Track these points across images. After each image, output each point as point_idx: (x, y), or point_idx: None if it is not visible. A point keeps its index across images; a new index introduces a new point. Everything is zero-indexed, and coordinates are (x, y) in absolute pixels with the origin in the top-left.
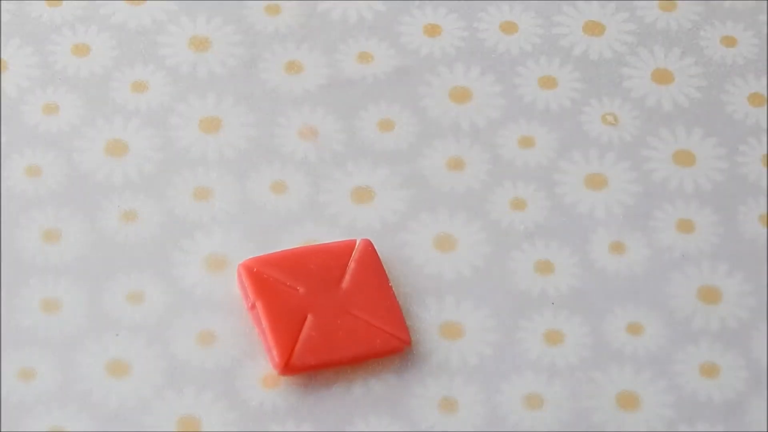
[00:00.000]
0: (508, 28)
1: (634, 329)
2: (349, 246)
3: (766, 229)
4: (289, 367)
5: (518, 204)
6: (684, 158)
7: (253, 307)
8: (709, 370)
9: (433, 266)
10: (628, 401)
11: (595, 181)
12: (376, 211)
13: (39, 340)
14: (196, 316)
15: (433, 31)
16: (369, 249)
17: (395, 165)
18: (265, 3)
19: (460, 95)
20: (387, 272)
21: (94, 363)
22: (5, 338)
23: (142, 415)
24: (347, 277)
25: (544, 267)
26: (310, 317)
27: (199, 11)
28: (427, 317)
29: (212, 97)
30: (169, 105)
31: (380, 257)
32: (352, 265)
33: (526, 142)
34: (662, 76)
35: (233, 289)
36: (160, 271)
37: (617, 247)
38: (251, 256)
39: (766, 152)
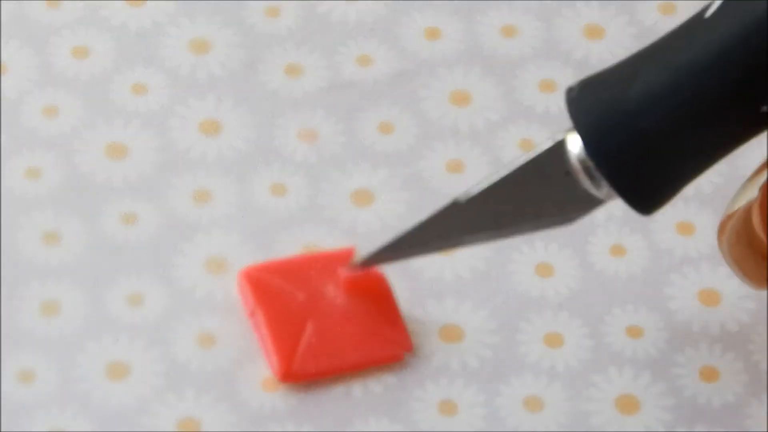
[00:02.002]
0: (509, 31)
1: (634, 332)
2: (349, 253)
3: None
4: (289, 374)
5: None
6: None
7: (253, 314)
8: (709, 374)
9: (433, 268)
10: (627, 404)
11: None
12: (375, 213)
13: (38, 342)
14: (195, 318)
15: (433, 34)
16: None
17: (395, 167)
18: (265, 5)
19: (460, 98)
20: (387, 276)
21: (94, 365)
22: (5, 340)
23: (142, 417)
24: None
25: (544, 269)
26: (310, 325)
27: (198, 13)
28: (427, 320)
29: (212, 99)
30: (169, 107)
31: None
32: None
33: (526, 145)
34: None
35: (233, 291)
36: (159, 273)
37: (617, 250)
38: (251, 258)
39: (766, 154)
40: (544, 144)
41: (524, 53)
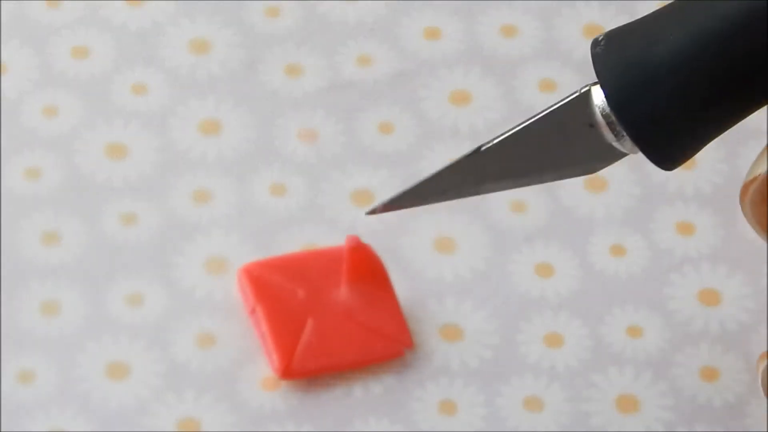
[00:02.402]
0: (508, 31)
1: (634, 332)
2: (350, 247)
3: (766, 231)
4: (289, 371)
5: (518, 206)
6: None
7: (253, 311)
8: (709, 374)
9: (433, 268)
10: (627, 404)
11: (595, 184)
12: None
13: (38, 342)
14: (195, 318)
15: (433, 33)
16: (369, 252)
17: (395, 167)
18: (265, 5)
19: (460, 98)
20: (388, 274)
21: (94, 365)
22: (5, 340)
23: (142, 417)
24: (348, 281)
25: (544, 269)
26: (310, 322)
27: (198, 13)
28: (427, 319)
29: (212, 99)
30: (169, 107)
31: (380, 260)
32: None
33: None
34: None
35: (233, 291)
36: (159, 273)
37: (617, 250)
38: (251, 259)
39: (766, 154)
40: (569, 95)
41: (524, 53)
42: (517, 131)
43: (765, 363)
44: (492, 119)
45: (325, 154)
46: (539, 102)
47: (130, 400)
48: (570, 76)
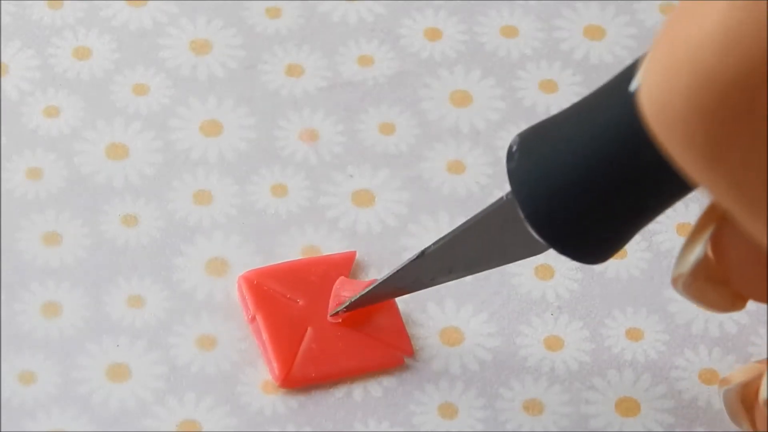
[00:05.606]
0: (509, 31)
1: (634, 334)
2: (349, 258)
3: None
4: (289, 379)
5: None
6: None
7: (253, 319)
8: (708, 376)
9: None
10: (627, 407)
11: None
12: (376, 214)
13: (39, 343)
14: (196, 320)
15: (433, 34)
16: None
17: (395, 168)
18: (266, 5)
19: (461, 98)
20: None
21: (95, 367)
22: (5, 341)
23: (142, 419)
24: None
25: (544, 272)
26: (310, 330)
27: (199, 13)
28: (427, 323)
29: (213, 100)
30: (170, 108)
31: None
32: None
33: None
34: None
35: (233, 292)
36: (160, 275)
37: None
38: (251, 260)
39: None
40: (498, 200)
41: (524, 53)
42: (457, 234)
43: (725, 387)
44: (492, 120)
45: (326, 154)
46: (540, 102)
47: (131, 402)
48: (570, 77)
